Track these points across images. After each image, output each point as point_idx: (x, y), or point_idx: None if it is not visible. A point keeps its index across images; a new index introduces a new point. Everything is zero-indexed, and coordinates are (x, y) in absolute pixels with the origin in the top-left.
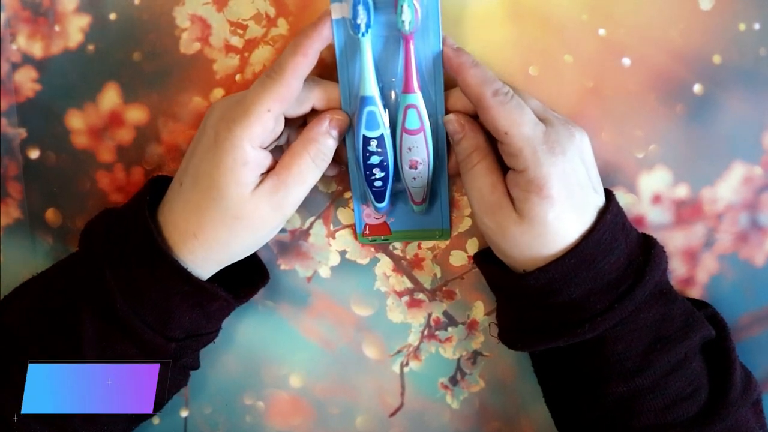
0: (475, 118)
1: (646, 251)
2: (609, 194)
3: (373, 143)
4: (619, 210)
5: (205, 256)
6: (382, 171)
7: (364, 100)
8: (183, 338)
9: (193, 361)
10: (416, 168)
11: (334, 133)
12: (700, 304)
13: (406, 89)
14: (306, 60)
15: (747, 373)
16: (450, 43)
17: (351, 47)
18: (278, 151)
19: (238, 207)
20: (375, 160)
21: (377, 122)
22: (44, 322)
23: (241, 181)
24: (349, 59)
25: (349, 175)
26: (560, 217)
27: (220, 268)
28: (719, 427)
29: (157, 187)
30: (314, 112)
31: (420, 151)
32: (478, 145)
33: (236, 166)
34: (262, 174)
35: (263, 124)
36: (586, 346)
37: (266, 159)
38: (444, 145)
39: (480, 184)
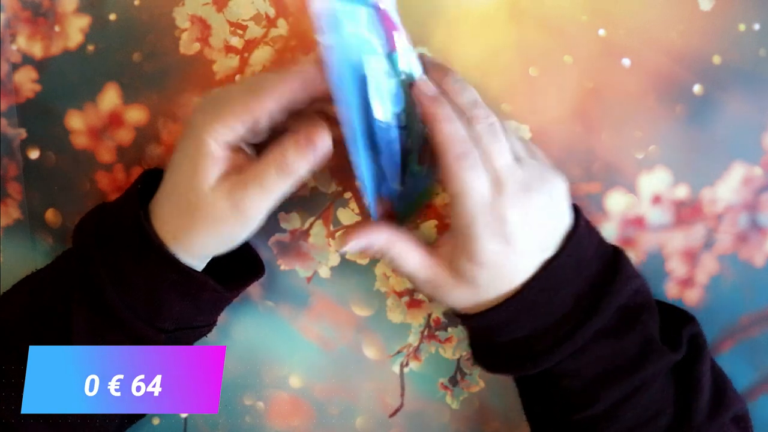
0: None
1: (609, 280)
2: (577, 215)
3: (401, 117)
4: (577, 248)
5: (183, 249)
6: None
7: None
8: (173, 330)
9: None
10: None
11: (309, 160)
12: (686, 318)
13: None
14: (296, 95)
15: (722, 391)
16: (427, 88)
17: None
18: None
19: (196, 199)
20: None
21: (400, 99)
22: (36, 317)
23: (203, 173)
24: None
25: (362, 173)
26: (490, 279)
27: (201, 261)
28: None
29: (151, 180)
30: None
31: None
32: (385, 241)
33: (200, 158)
34: (230, 173)
35: (231, 128)
36: (541, 376)
37: (236, 156)
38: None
39: (408, 270)
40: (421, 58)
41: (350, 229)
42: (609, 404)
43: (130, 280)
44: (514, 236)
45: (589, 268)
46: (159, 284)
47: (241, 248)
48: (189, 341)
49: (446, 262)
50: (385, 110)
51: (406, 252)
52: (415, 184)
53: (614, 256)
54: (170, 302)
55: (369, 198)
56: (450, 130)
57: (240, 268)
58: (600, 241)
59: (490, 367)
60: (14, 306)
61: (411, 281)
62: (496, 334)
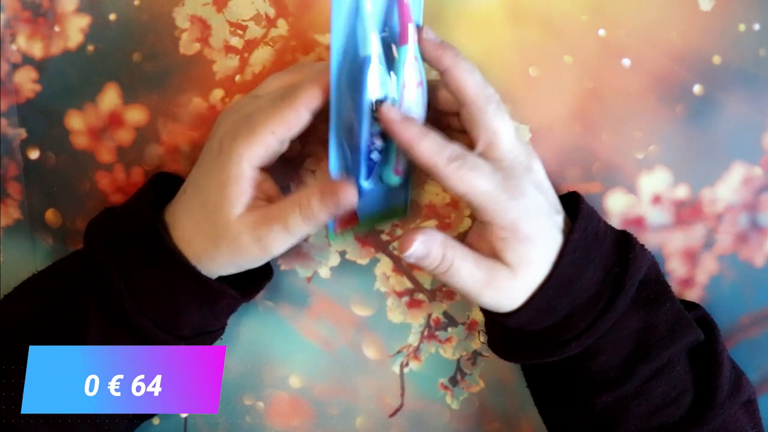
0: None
1: (624, 255)
2: (578, 200)
3: (376, 108)
4: (589, 220)
5: (202, 267)
6: (382, 140)
7: (367, 60)
8: (192, 336)
9: None
10: None
11: (332, 212)
12: (689, 305)
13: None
14: (323, 95)
15: (738, 374)
16: (393, 114)
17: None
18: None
19: (222, 226)
20: (377, 127)
21: (386, 84)
22: (46, 322)
23: (232, 200)
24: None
25: (330, 158)
26: (541, 251)
27: (219, 275)
28: (706, 429)
29: (160, 184)
30: None
31: (418, 109)
32: (444, 248)
33: (230, 183)
34: (258, 199)
35: (266, 145)
36: (571, 358)
37: (265, 183)
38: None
39: (465, 275)
40: (420, 32)
41: (409, 232)
42: (642, 379)
43: (148, 289)
44: (537, 203)
45: (605, 234)
46: (178, 294)
47: None
48: (204, 345)
49: (496, 257)
50: (379, 42)
51: (461, 256)
52: (389, 197)
53: (621, 231)
54: (189, 311)
55: (332, 173)
56: (429, 144)
57: (248, 272)
58: (601, 218)
59: (523, 357)
60: (19, 309)
61: (472, 291)
62: (537, 323)
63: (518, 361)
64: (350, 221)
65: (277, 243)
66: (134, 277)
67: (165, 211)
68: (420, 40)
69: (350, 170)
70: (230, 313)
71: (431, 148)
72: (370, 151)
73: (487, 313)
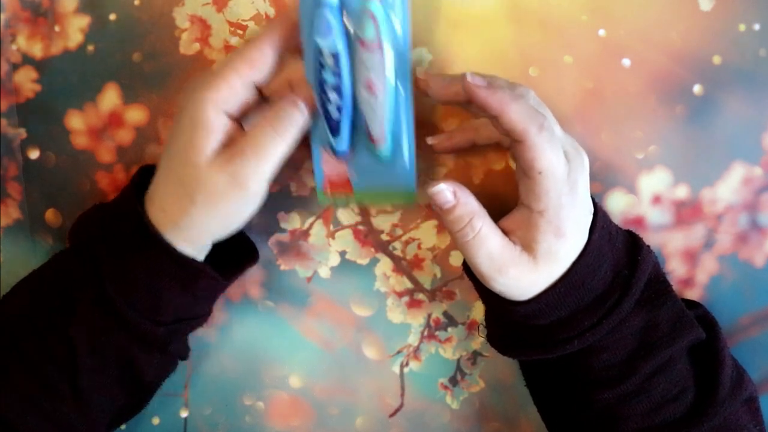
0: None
1: (632, 256)
2: (592, 199)
3: (327, 56)
4: (605, 220)
5: (184, 236)
6: (338, 95)
7: (319, 1)
8: (171, 322)
9: (181, 349)
10: (374, 93)
11: (301, 104)
12: (690, 304)
13: None
14: (288, 33)
15: (740, 371)
16: (476, 79)
17: None
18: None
19: (194, 177)
20: (330, 78)
21: (330, 28)
22: (38, 317)
23: (198, 147)
24: None
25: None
26: (568, 250)
27: (202, 250)
28: (707, 426)
29: (148, 175)
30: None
31: (378, 72)
32: (474, 210)
33: (195, 129)
34: (227, 144)
35: (230, 87)
36: (572, 355)
37: (233, 129)
38: (408, 78)
39: (488, 249)
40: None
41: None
42: (644, 377)
43: (130, 276)
44: (582, 200)
45: (617, 235)
46: (157, 276)
47: (234, 236)
48: (186, 333)
49: (525, 245)
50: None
51: (489, 229)
52: (388, 174)
53: (628, 232)
54: (169, 294)
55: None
56: (522, 107)
57: (235, 257)
58: (610, 218)
59: (525, 352)
60: (15, 307)
61: (486, 270)
62: (544, 316)
63: (518, 356)
64: (342, 186)
65: (252, 174)
66: (116, 263)
67: (146, 193)
68: (465, 86)
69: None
70: (213, 299)
71: (523, 112)
72: (324, 103)
73: (490, 303)
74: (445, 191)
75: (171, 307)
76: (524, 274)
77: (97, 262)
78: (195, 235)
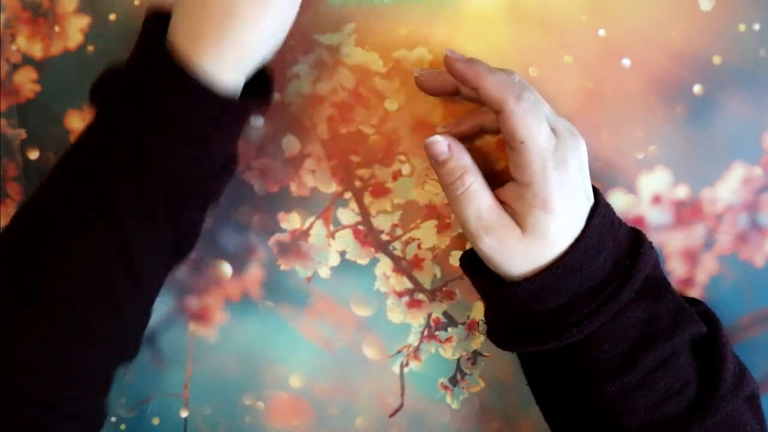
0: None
1: (634, 249)
2: (596, 192)
3: None
4: (607, 209)
5: (218, 64)
6: None
7: None
8: (215, 173)
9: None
10: None
11: None
12: (691, 302)
13: None
14: None
15: (742, 368)
16: (455, 54)
17: None
18: None
19: None
20: None
21: None
22: (78, 199)
23: None
24: None
25: None
26: (560, 228)
27: (238, 82)
28: (710, 421)
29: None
30: None
31: None
32: (466, 166)
33: None
34: None
35: None
36: (572, 347)
37: None
38: None
39: (477, 206)
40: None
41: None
42: (646, 370)
43: (173, 125)
44: (574, 180)
45: (620, 227)
46: (202, 121)
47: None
48: (220, 187)
49: (514, 217)
50: None
51: (480, 186)
52: None
53: (632, 227)
54: (216, 138)
55: None
56: (498, 78)
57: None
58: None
59: (523, 343)
60: (51, 201)
61: (473, 227)
62: (542, 302)
63: (518, 349)
64: None
65: None
66: (153, 116)
67: (167, 36)
68: (445, 61)
69: None
70: (236, 133)
71: (500, 81)
72: None
73: (488, 293)
74: (441, 143)
75: (215, 149)
76: (511, 240)
77: (132, 123)
78: (229, 62)
